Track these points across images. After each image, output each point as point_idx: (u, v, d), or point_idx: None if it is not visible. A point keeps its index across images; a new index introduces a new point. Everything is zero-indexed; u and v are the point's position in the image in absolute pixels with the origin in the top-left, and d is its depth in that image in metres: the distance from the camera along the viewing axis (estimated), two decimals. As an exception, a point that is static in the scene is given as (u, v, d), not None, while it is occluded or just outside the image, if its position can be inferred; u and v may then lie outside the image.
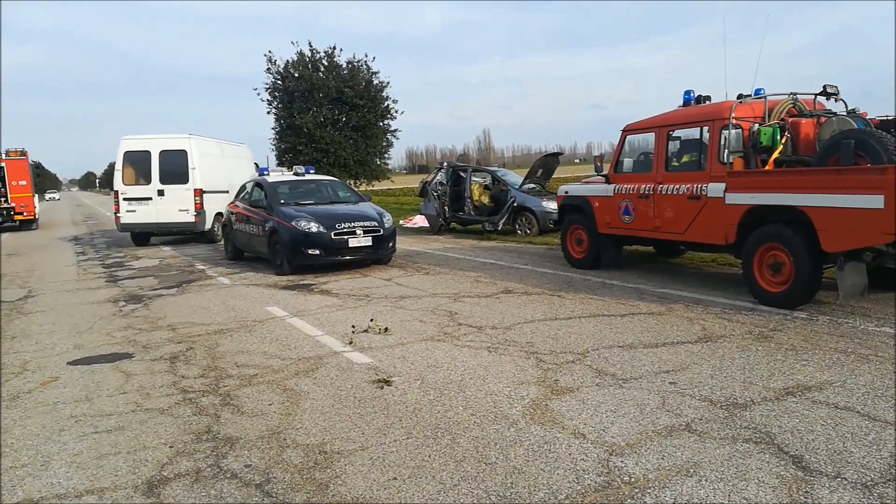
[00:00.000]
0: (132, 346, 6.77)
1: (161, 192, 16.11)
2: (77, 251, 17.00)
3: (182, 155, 16.01)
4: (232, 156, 18.90)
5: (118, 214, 16.49)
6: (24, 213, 24.79)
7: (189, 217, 16.17)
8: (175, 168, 15.94)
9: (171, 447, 4.13)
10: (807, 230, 6.74)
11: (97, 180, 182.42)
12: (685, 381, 4.84)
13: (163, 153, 16.08)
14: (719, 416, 4.16)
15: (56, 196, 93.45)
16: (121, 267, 13.33)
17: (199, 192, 16.07)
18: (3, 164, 24.27)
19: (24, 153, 24.73)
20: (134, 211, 16.23)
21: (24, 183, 24.63)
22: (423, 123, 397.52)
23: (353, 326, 6.92)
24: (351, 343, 6.34)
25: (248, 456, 3.94)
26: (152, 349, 6.58)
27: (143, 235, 17.32)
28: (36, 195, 26.59)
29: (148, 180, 16.19)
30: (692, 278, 9.15)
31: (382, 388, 5.01)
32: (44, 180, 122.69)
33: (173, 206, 15.88)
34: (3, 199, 24.33)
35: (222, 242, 14.61)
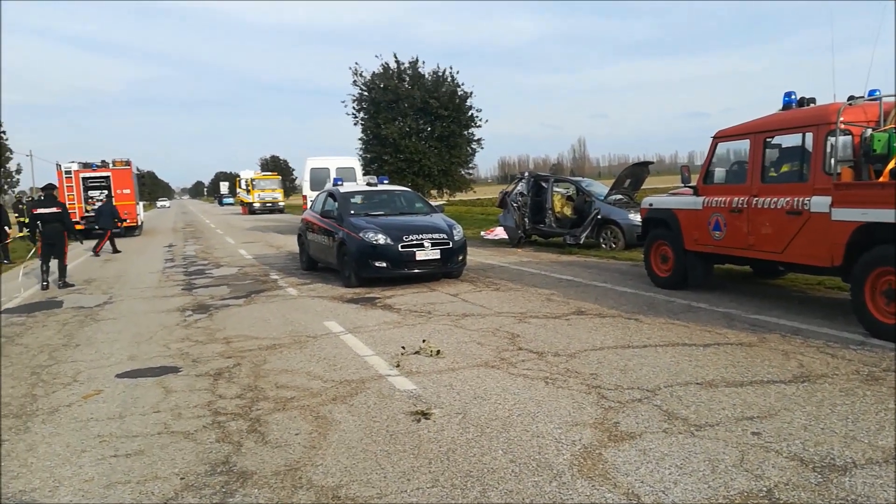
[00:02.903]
0: (183, 359, 6.64)
1: None
2: (167, 258, 17.61)
3: (351, 171, 22.23)
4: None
5: (305, 213, 22.57)
6: (127, 220, 26.08)
7: None
8: (348, 180, 19.46)
9: (182, 479, 3.83)
10: (931, 253, 5.74)
11: (205, 189, 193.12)
12: (771, 432, 4.08)
13: (338, 169, 21.81)
14: (810, 482, 3.40)
15: (167, 204, 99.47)
16: (201, 275, 13.58)
17: None
18: (109, 174, 25.69)
19: (128, 163, 26.08)
20: None
21: (128, 191, 25.95)
22: (516, 133, 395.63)
23: (404, 348, 6.49)
24: (398, 366, 5.91)
25: (256, 495, 3.57)
26: (201, 363, 6.41)
27: None
28: (140, 203, 27.93)
29: None
30: (793, 303, 8.13)
31: (419, 420, 4.53)
32: (157, 189, 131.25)
33: None
34: None
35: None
